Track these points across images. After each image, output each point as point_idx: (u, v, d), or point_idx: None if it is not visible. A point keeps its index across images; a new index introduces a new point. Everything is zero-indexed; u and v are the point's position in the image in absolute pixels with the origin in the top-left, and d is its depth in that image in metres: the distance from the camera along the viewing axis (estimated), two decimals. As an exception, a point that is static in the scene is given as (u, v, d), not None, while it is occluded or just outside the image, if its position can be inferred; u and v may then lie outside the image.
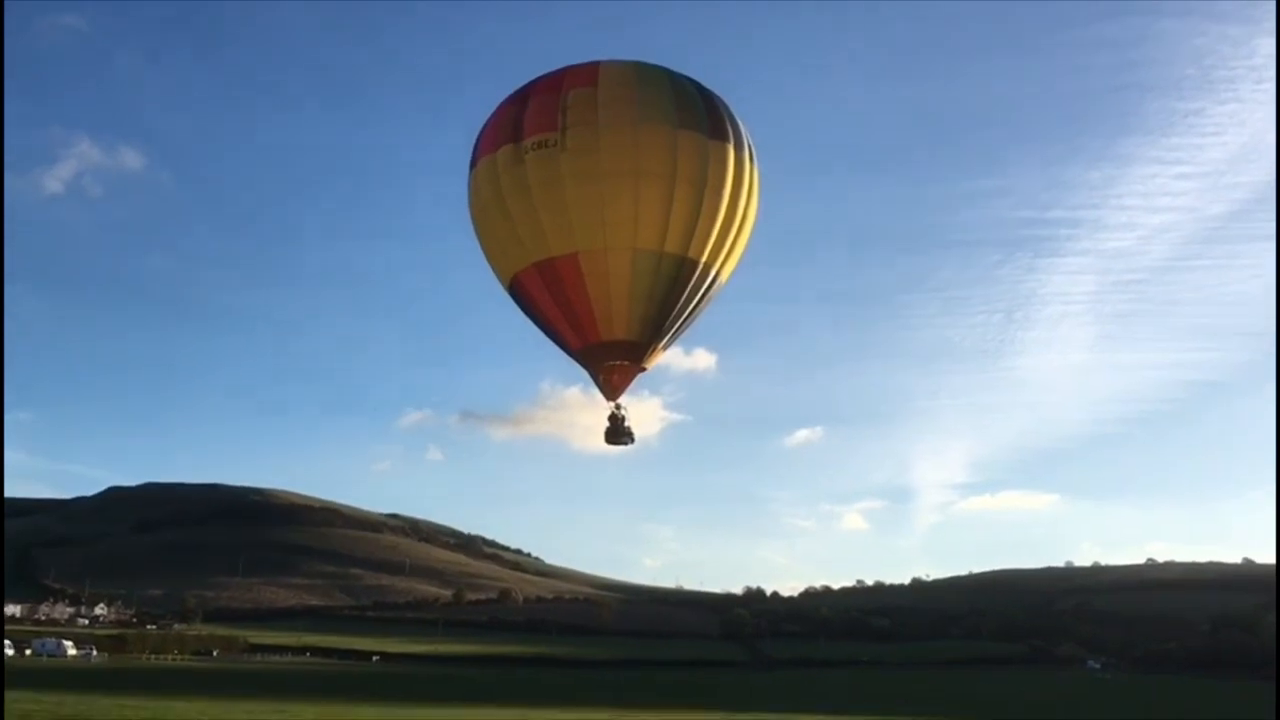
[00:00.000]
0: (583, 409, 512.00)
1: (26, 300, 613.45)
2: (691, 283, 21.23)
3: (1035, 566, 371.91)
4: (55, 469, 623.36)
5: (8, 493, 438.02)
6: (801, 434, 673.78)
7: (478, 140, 22.11)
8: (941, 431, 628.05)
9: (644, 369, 22.20)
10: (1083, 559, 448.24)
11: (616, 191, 20.16)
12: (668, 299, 21.22)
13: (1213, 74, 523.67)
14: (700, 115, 20.78)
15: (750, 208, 21.73)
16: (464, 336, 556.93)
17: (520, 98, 21.30)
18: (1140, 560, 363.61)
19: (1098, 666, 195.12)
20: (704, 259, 21.10)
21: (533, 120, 20.43)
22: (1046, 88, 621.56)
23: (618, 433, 22.16)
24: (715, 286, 22.02)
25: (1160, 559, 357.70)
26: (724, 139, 20.87)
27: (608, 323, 21.35)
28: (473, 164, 22.13)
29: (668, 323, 21.52)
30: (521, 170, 20.42)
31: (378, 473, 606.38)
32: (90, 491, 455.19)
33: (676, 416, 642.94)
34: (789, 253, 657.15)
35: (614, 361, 21.99)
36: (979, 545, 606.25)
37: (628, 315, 21.20)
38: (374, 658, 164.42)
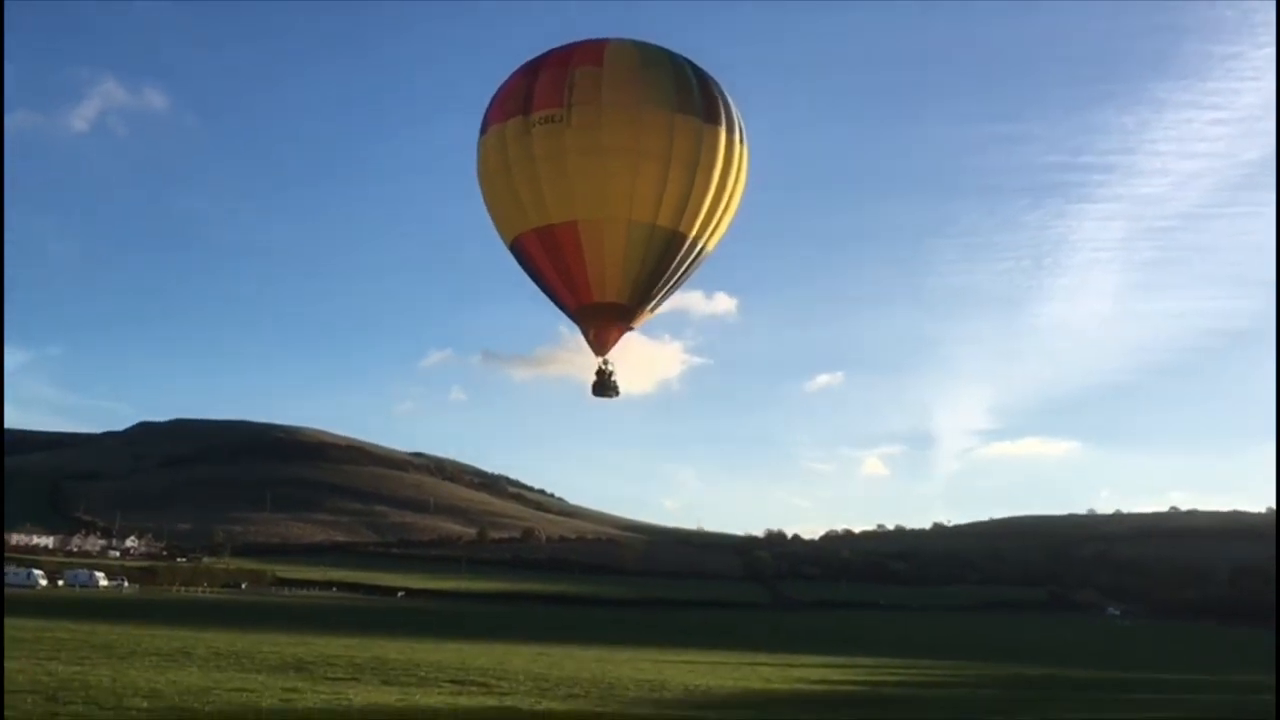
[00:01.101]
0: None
1: (55, 237, 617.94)
2: (680, 254, 23.25)
3: (1056, 513, 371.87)
4: (85, 404, 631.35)
5: (39, 426, 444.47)
6: (822, 378, 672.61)
7: (489, 108, 23.66)
8: (965, 377, 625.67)
9: (631, 329, 24.11)
10: (1104, 507, 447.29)
11: (615, 168, 22.04)
12: (657, 268, 23.25)
13: (1252, 17, 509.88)
14: (696, 99, 22.57)
15: (738, 186, 23.68)
16: (485, 277, 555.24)
17: (530, 70, 23.01)
18: (1163, 509, 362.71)
19: (1117, 613, 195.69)
20: (693, 233, 23.08)
21: (541, 95, 22.08)
22: (1079, 28, 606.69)
23: (604, 386, 23.99)
24: (702, 256, 24.04)
25: (1183, 508, 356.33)
26: (717, 123, 22.76)
27: (600, 286, 23.23)
28: (483, 130, 23.65)
29: (656, 289, 23.62)
30: (528, 142, 22.26)
31: (401, 412, 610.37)
32: (120, 426, 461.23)
33: (698, 360, 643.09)
34: (812, 196, 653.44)
35: (604, 321, 23.93)
36: (1000, 491, 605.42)
37: (620, 281, 23.13)
38: (399, 593, 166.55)
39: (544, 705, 18.28)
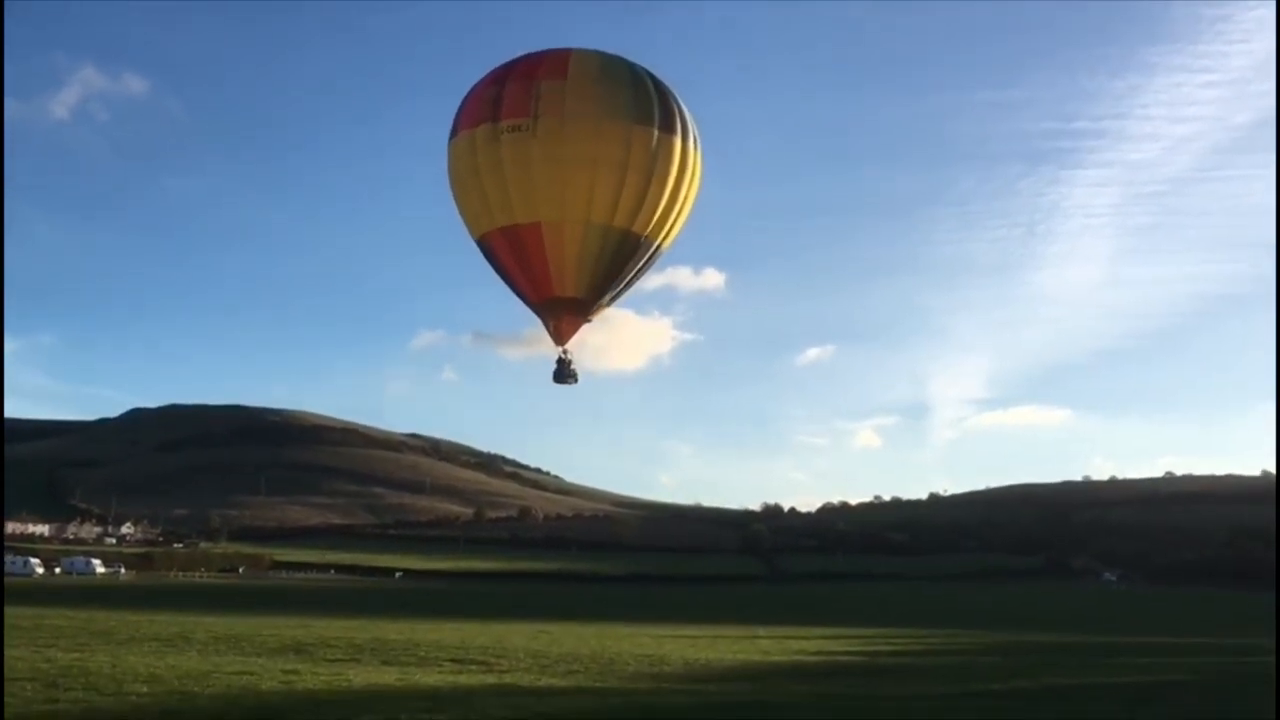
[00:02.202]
0: (592, 330, 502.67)
1: (40, 224, 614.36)
2: (634, 253, 25.18)
3: (1052, 481, 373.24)
4: (78, 391, 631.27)
5: (32, 414, 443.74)
6: (813, 351, 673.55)
7: (458, 114, 25.54)
8: (959, 347, 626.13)
9: (589, 320, 26.23)
10: (1099, 473, 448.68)
11: (576, 174, 23.98)
12: (612, 265, 25.21)
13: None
14: (654, 110, 24.38)
15: (691, 191, 25.42)
16: (473, 258, 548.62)
17: (499, 79, 24.86)
18: (1158, 474, 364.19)
19: (1113, 579, 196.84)
20: (646, 233, 24.94)
21: (509, 105, 23.98)
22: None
23: (563, 374, 26.12)
24: (656, 255, 25.89)
25: (1178, 473, 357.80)
26: (672, 132, 24.56)
27: (561, 282, 25.17)
28: (453, 134, 25.65)
29: (611, 285, 25.61)
30: (496, 148, 24.19)
31: (394, 394, 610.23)
32: (113, 413, 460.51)
33: (688, 336, 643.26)
34: (799, 167, 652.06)
35: (563, 314, 25.93)
36: (995, 460, 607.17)
37: (577, 277, 25.10)
38: (397, 574, 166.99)
39: (544, 682, 18.34)
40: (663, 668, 22.65)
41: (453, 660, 22.23)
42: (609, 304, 26.41)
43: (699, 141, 25.56)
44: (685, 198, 25.47)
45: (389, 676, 18.12)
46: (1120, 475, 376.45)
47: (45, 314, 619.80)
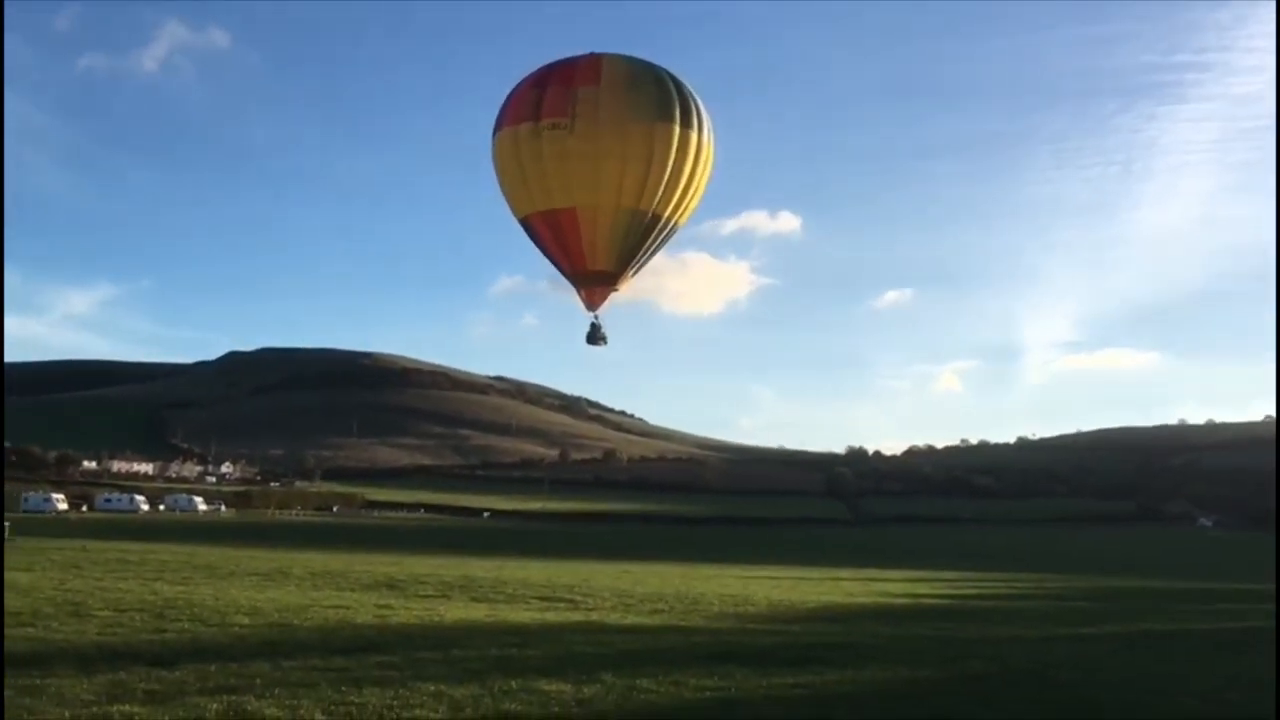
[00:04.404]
0: (671, 274, 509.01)
1: (137, 173, 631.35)
2: (655, 230, 28.98)
3: (1145, 425, 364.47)
4: (177, 335, 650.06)
5: (134, 357, 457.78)
6: (891, 295, 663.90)
7: (502, 112, 28.97)
8: (1048, 289, 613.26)
9: (616, 290, 29.67)
10: (1193, 417, 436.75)
11: (608, 166, 27.69)
12: (638, 243, 28.86)
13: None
14: (674, 109, 28.05)
15: (705, 177, 29.26)
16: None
17: (538, 83, 28.28)
18: (1255, 418, 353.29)
19: (1209, 524, 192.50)
20: (666, 214, 28.68)
21: (549, 106, 27.53)
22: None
23: (595, 336, 29.35)
24: (674, 230, 29.71)
25: (1276, 416, 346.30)
26: (689, 127, 28.27)
27: (593, 257, 28.70)
28: (498, 128, 29.09)
29: (636, 258, 29.27)
30: (538, 143, 27.75)
31: (477, 338, 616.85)
32: (210, 356, 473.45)
33: (764, 280, 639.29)
34: (880, 108, 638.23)
35: (594, 284, 29.31)
36: (1087, 404, 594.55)
37: (607, 253, 28.63)
38: (484, 514, 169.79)
39: (630, 620, 18.57)
40: (747, 608, 22.78)
41: (540, 598, 22.61)
42: (633, 275, 29.94)
43: (713, 133, 29.34)
44: (700, 183, 29.32)
45: (478, 613, 18.51)
46: (1216, 419, 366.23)
47: (145, 260, 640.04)
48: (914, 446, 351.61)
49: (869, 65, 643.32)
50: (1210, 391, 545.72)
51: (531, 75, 28.97)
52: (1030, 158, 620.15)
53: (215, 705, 8.92)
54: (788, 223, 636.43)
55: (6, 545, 42.26)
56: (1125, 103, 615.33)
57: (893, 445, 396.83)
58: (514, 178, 29.20)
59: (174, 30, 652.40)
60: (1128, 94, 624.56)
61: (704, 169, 29.37)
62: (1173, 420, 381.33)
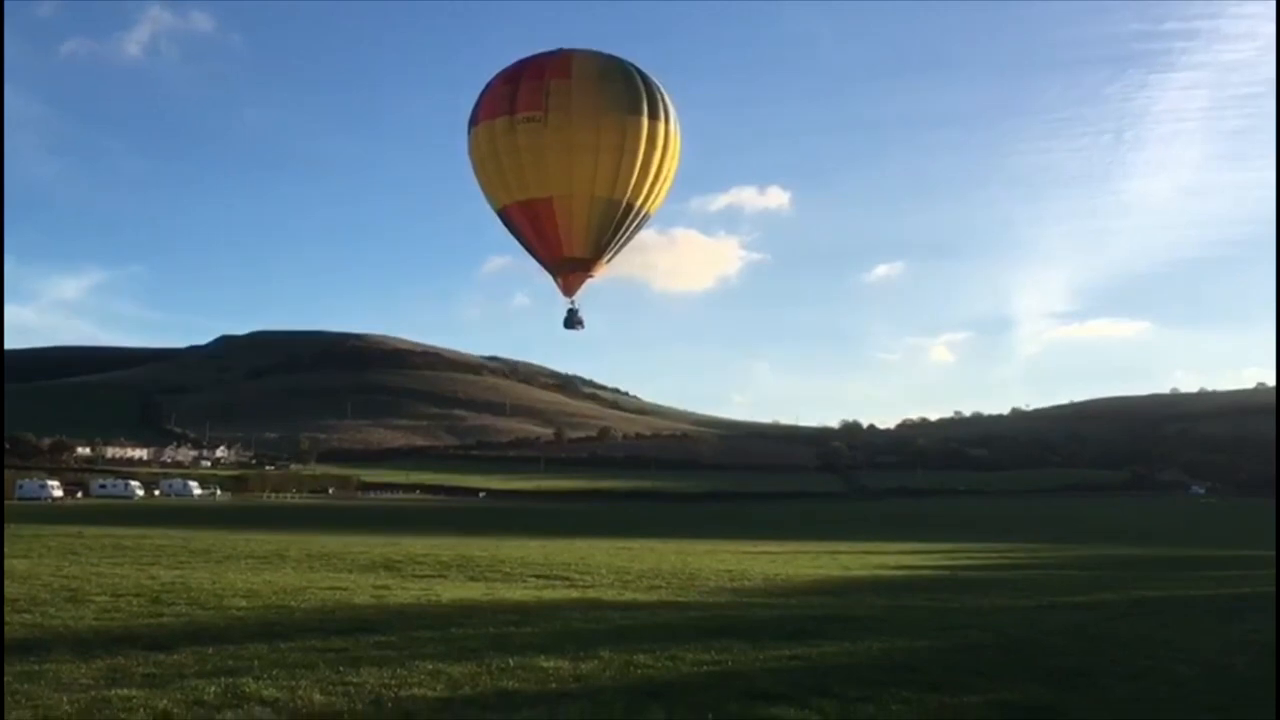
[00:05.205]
0: (661, 250, 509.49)
1: (126, 158, 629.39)
2: (629, 219, 30.08)
3: (1138, 394, 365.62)
4: (169, 319, 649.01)
5: (126, 342, 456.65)
6: (881, 269, 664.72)
7: (476, 108, 30.17)
8: (1039, 259, 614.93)
9: (592, 276, 30.84)
10: (1188, 385, 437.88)
11: (582, 157, 28.80)
12: (612, 230, 29.95)
13: None
14: (642, 102, 29.22)
15: (673, 166, 30.62)
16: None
17: (511, 79, 29.45)
18: (1249, 385, 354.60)
19: (1202, 491, 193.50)
20: (639, 203, 29.93)
21: (523, 101, 28.71)
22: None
23: (572, 321, 30.64)
24: (646, 219, 30.96)
25: (1269, 384, 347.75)
26: (657, 119, 29.51)
27: (569, 244, 29.82)
28: (473, 122, 30.21)
29: (611, 244, 30.34)
30: (514, 136, 28.91)
31: (468, 319, 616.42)
32: (203, 340, 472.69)
33: (755, 255, 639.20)
34: (868, 79, 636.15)
35: (572, 271, 30.47)
36: (1079, 374, 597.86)
37: (583, 239, 29.74)
38: (480, 494, 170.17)
39: (627, 596, 18.62)
40: (743, 583, 22.85)
41: (537, 576, 22.66)
42: (607, 262, 30.99)
43: (678, 124, 30.60)
44: (668, 172, 30.61)
45: (476, 592, 18.55)
46: (1208, 388, 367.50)
47: (136, 245, 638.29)
48: (908, 419, 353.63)
49: (858, 38, 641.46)
50: (1202, 360, 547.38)
51: (504, 71, 30.06)
52: (1021, 128, 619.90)
53: (213, 687, 8.94)
54: (776, 198, 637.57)
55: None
56: (1115, 71, 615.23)
57: (886, 419, 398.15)
58: (491, 170, 30.24)
59: (156, 15, 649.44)
60: (1118, 63, 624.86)
61: (672, 159, 30.62)
62: (1165, 389, 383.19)
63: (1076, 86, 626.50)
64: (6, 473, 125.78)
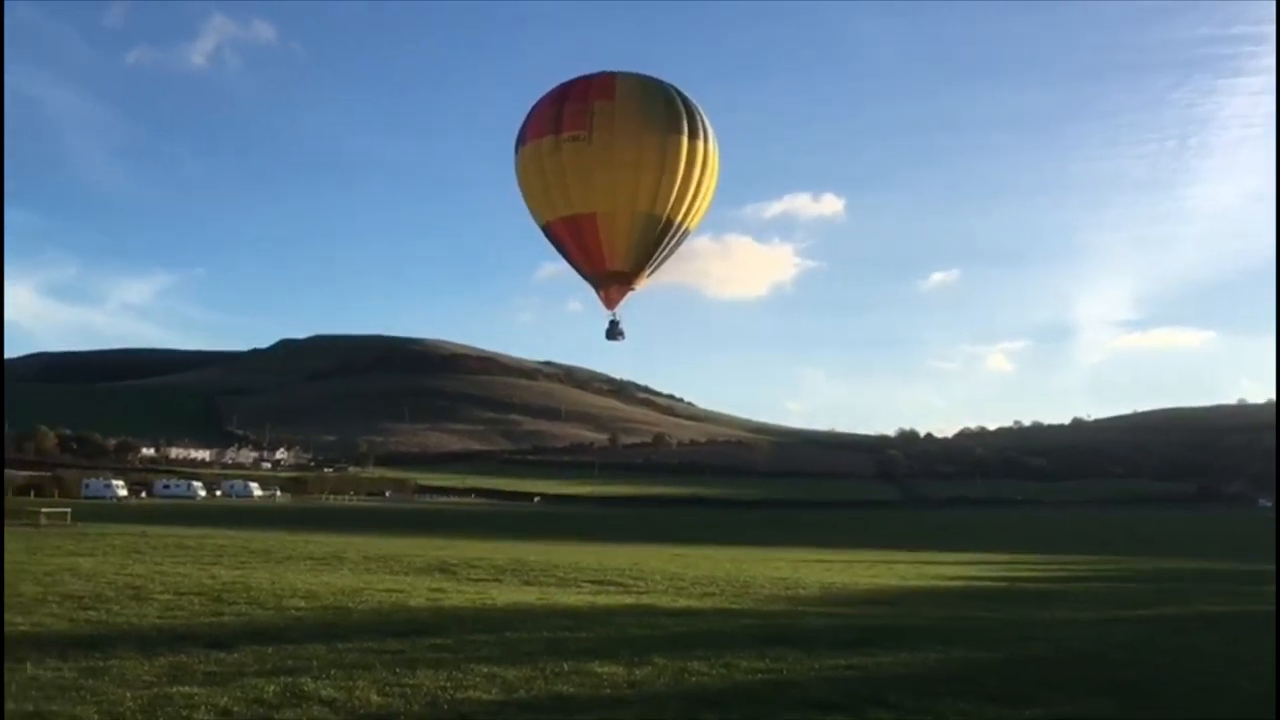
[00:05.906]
0: (715, 258, 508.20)
1: (190, 162, 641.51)
2: (670, 234, 31.03)
3: (1203, 405, 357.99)
4: (230, 322, 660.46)
5: (188, 345, 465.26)
6: (937, 276, 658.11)
7: (524, 128, 31.19)
8: (1102, 267, 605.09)
9: (634, 289, 31.74)
10: (1254, 396, 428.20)
11: (624, 174, 29.74)
12: (653, 245, 30.91)
13: None
14: (682, 121, 30.28)
15: (711, 182, 31.47)
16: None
17: (557, 100, 30.46)
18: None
19: (1269, 504, 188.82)
20: (679, 219, 30.87)
21: (568, 121, 29.72)
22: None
23: (613, 333, 31.67)
24: (685, 233, 31.77)
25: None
26: (696, 137, 30.46)
27: (612, 258, 30.74)
28: (521, 142, 31.21)
29: (651, 259, 31.29)
30: (559, 155, 29.95)
31: (522, 324, 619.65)
32: (263, 344, 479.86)
33: (809, 263, 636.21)
34: (926, 84, 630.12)
35: (613, 284, 31.36)
36: (1143, 384, 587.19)
37: (625, 254, 30.67)
38: (535, 498, 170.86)
39: (681, 603, 18.58)
40: (798, 591, 22.72)
41: (591, 581, 22.68)
42: (648, 276, 31.90)
43: (716, 141, 31.54)
44: (707, 189, 31.55)
45: (530, 596, 18.61)
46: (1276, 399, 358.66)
47: (198, 249, 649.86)
48: (966, 429, 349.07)
49: (911, 41, 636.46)
50: (1269, 370, 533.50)
51: (550, 93, 31.19)
52: (1083, 134, 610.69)
53: (272, 686, 9.05)
54: (831, 205, 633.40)
55: (70, 530, 43.34)
56: (1181, 76, 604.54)
57: (944, 427, 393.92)
58: (537, 187, 31.29)
59: (220, 24, 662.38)
60: (1183, 67, 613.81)
61: (711, 176, 31.55)
62: (1231, 400, 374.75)
63: (1141, 91, 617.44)
64: (73, 472, 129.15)
